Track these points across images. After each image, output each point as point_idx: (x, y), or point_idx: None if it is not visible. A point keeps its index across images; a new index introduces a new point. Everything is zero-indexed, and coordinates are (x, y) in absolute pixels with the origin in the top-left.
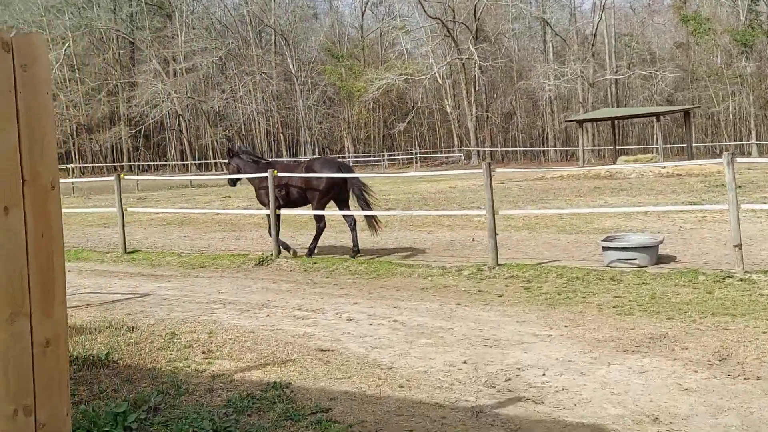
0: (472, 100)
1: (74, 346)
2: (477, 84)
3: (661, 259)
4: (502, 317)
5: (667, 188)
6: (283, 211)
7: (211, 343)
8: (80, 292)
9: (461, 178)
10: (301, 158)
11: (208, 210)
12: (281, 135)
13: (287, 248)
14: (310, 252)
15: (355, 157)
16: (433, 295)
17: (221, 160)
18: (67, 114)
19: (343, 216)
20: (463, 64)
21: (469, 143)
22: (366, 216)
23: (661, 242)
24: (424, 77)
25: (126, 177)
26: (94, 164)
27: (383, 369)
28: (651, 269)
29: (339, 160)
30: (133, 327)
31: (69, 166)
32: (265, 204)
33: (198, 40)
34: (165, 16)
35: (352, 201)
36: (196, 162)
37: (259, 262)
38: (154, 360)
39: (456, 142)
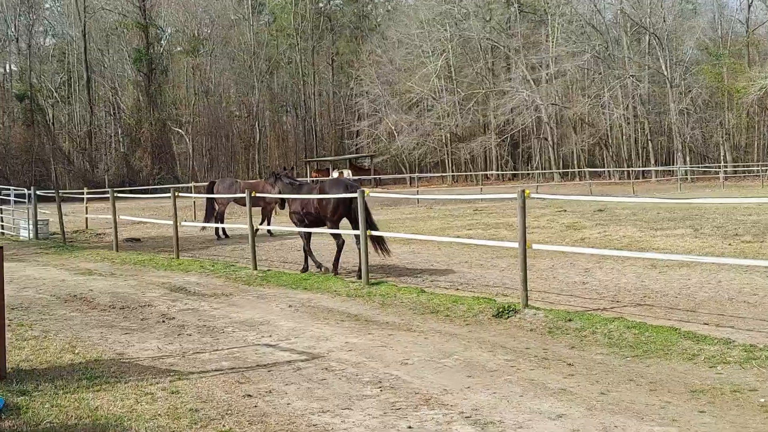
0: None
1: None
2: None
3: None
4: None
5: None
6: (318, 230)
7: None
8: (261, 342)
9: None
10: (673, 167)
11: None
12: (650, 143)
13: (319, 266)
14: (335, 268)
15: (734, 167)
16: (701, 410)
17: (586, 169)
18: (443, 123)
19: (354, 236)
20: None
21: None
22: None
23: None
24: None
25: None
26: (466, 172)
27: None
28: None
29: (348, 180)
30: None
31: (444, 174)
32: (295, 224)
33: (566, 44)
34: (536, 22)
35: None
36: (560, 171)
37: (498, 312)
38: None
39: None
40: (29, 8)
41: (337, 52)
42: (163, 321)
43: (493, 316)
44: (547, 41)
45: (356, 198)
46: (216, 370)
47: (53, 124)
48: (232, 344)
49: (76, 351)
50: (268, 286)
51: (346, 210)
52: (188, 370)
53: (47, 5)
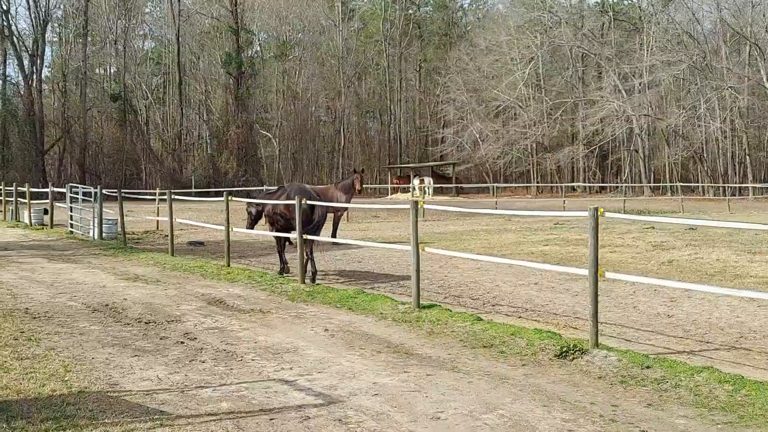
0: None
1: None
2: None
3: None
4: None
5: None
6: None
7: None
8: (278, 376)
9: None
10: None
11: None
12: (748, 158)
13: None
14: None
15: None
16: None
17: (678, 184)
18: (530, 133)
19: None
20: None
21: None
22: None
23: None
24: None
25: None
26: (552, 183)
27: None
28: None
29: (308, 187)
30: None
31: (528, 185)
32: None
33: (661, 54)
34: (630, 30)
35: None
36: (651, 185)
37: (562, 352)
38: None
39: None
40: (127, 11)
41: (425, 59)
42: (182, 342)
43: (555, 356)
44: (641, 50)
45: (316, 207)
46: (209, 414)
47: (147, 124)
48: (244, 377)
49: (66, 378)
50: (312, 303)
51: (306, 216)
52: (177, 413)
53: (147, 9)
